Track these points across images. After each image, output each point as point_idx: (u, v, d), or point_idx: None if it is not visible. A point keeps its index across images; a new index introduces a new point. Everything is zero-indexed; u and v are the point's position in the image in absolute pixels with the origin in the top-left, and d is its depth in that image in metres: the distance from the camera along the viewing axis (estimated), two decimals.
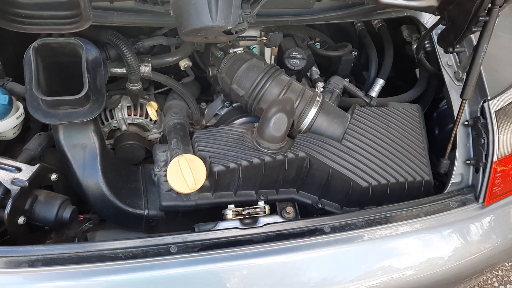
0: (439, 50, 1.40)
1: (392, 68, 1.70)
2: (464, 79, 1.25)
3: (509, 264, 2.45)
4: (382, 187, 1.22)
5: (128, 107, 1.38)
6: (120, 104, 1.37)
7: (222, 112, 1.45)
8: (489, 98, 1.26)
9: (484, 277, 2.36)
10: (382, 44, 1.63)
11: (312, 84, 1.54)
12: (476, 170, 1.26)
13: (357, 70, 1.76)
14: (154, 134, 1.44)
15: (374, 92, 1.54)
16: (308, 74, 1.58)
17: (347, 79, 1.62)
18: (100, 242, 1.03)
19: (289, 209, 1.23)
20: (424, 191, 1.27)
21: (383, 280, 1.13)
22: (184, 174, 1.12)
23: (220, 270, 1.03)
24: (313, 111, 1.25)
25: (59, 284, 0.95)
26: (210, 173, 1.17)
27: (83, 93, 1.05)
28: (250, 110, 1.30)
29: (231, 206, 1.16)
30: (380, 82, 1.55)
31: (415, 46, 1.55)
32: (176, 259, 1.02)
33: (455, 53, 1.38)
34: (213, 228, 1.12)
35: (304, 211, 1.28)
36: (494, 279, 2.37)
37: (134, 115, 1.38)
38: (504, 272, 2.41)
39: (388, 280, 1.13)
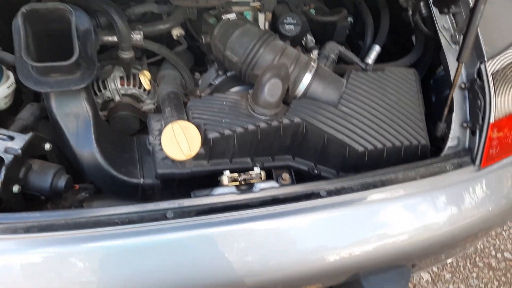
0: (436, 13, 1.38)
1: (388, 36, 1.68)
2: (461, 42, 1.24)
3: (507, 233, 2.47)
4: (378, 151, 1.21)
5: (121, 78, 1.36)
6: (112, 75, 1.35)
7: (217, 81, 1.43)
8: (486, 59, 1.25)
9: (482, 246, 2.39)
10: (378, 11, 1.61)
11: (307, 52, 1.52)
12: (473, 133, 1.26)
13: (353, 39, 1.73)
14: (148, 105, 1.43)
15: (370, 59, 1.52)
16: (303, 42, 1.56)
17: (342, 47, 1.61)
18: (96, 209, 1.03)
19: (285, 175, 1.24)
20: (420, 155, 1.26)
21: (379, 244, 1.14)
22: (179, 141, 1.11)
23: (216, 234, 1.04)
24: (308, 77, 1.24)
25: (55, 249, 0.95)
26: (205, 141, 1.16)
27: (73, 58, 1.03)
28: (244, 77, 1.29)
29: (227, 172, 1.16)
30: (376, 49, 1.53)
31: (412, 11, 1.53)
32: (172, 224, 1.02)
33: (451, 16, 1.35)
34: (209, 194, 1.12)
35: (300, 178, 1.28)
36: (491, 248, 2.39)
37: (127, 85, 1.36)
38: (501, 240, 2.43)
39: (383, 243, 1.14)
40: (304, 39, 1.55)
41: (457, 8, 1.20)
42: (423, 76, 1.54)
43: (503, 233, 2.46)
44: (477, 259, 2.34)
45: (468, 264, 2.31)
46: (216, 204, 1.07)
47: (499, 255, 2.36)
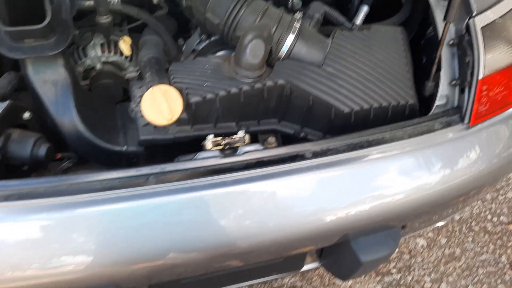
0: None
1: None
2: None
3: (503, 197, 2.46)
4: (364, 112, 1.19)
5: (102, 45, 1.33)
6: (92, 42, 1.32)
7: (200, 47, 1.40)
8: (474, 14, 1.21)
9: (477, 210, 2.39)
10: None
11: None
12: (462, 91, 1.23)
13: (342, 3, 1.68)
14: (131, 73, 1.40)
15: (358, 20, 1.48)
16: (290, 5, 1.51)
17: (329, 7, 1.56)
18: (76, 175, 1.01)
19: (271, 139, 1.22)
20: (408, 115, 1.24)
21: (368, 204, 1.13)
22: (160, 105, 1.09)
23: (199, 198, 1.02)
24: (291, 37, 1.20)
25: (35, 217, 0.94)
26: (187, 105, 1.14)
27: (46, 21, 1.00)
28: (227, 39, 1.25)
29: (210, 136, 1.14)
30: (364, 9, 1.47)
31: None
32: (154, 189, 1.01)
33: None
34: (192, 159, 1.10)
35: (288, 142, 1.26)
36: (487, 212, 2.39)
37: (108, 52, 1.33)
38: (497, 204, 2.43)
39: (372, 204, 1.13)
40: (291, 1, 1.51)
41: None
42: (413, 35, 1.50)
43: (499, 197, 2.46)
44: (473, 223, 2.34)
45: (464, 228, 2.32)
46: (199, 168, 1.05)
47: (495, 219, 2.37)
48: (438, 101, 1.23)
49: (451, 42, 1.24)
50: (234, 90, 1.14)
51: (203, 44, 1.39)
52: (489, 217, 2.37)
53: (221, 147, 1.13)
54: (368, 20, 1.49)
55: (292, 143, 1.26)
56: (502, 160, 1.26)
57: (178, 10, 1.44)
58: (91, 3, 1.20)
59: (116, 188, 0.99)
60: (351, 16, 1.52)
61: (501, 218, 2.36)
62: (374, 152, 1.13)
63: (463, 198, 1.31)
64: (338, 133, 1.23)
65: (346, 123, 1.20)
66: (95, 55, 1.32)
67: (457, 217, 2.35)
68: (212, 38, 1.38)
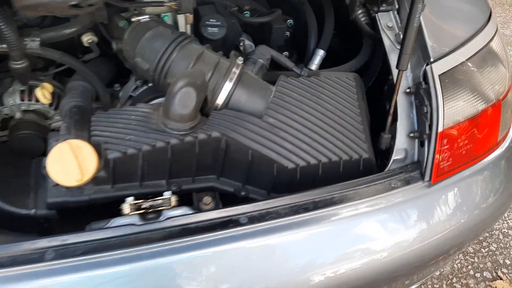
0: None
1: (340, 40, 1.53)
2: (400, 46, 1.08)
3: (486, 250, 2.30)
4: (312, 168, 1.05)
5: (22, 92, 1.19)
6: (10, 88, 1.18)
7: (136, 93, 1.27)
8: (432, 60, 1.09)
9: (459, 265, 2.21)
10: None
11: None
12: (422, 144, 1.10)
13: (301, 44, 1.58)
14: (57, 122, 1.25)
15: (314, 65, 1.37)
16: (242, 48, 1.40)
17: (286, 53, 1.46)
18: None
19: (207, 199, 1.06)
20: (363, 171, 1.10)
21: (317, 279, 0.96)
22: (68, 164, 0.94)
23: (107, 276, 0.85)
24: (228, 85, 1.07)
25: None
26: (106, 162, 0.99)
27: None
28: (159, 86, 1.12)
29: (130, 199, 0.98)
30: (320, 53, 1.37)
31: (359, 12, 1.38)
32: (51, 266, 0.84)
33: (395, 13, 1.21)
34: (105, 226, 0.94)
35: (228, 201, 1.10)
36: (469, 267, 2.22)
37: (28, 100, 1.19)
38: (480, 259, 2.26)
39: (317, 278, 0.96)
40: (242, 44, 1.40)
41: (388, 5, 1.04)
42: (373, 82, 1.39)
43: (482, 250, 2.29)
44: (454, 279, 2.16)
45: (444, 285, 2.13)
46: (109, 239, 0.89)
47: (477, 274, 2.19)
48: (396, 155, 1.10)
49: (408, 90, 1.12)
50: (160, 144, 1.00)
51: (140, 90, 1.26)
52: (471, 272, 2.19)
53: (142, 211, 0.97)
54: (330, 64, 1.39)
55: (232, 203, 1.11)
56: (470, 221, 1.11)
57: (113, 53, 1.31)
58: (3, 46, 1.07)
59: (4, 266, 0.82)
60: (307, 59, 1.42)
61: (485, 273, 2.19)
62: (321, 216, 0.98)
63: (444, 256, 1.15)
64: (284, 190, 1.09)
65: (292, 180, 1.05)
66: (13, 103, 1.18)
67: (437, 272, 2.17)
68: (150, 84, 1.25)
